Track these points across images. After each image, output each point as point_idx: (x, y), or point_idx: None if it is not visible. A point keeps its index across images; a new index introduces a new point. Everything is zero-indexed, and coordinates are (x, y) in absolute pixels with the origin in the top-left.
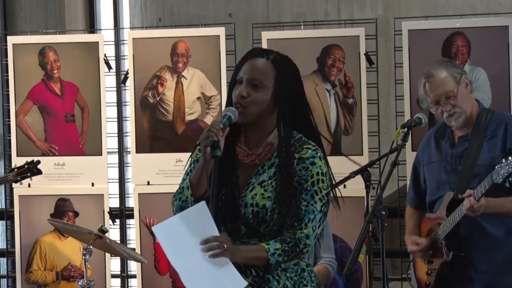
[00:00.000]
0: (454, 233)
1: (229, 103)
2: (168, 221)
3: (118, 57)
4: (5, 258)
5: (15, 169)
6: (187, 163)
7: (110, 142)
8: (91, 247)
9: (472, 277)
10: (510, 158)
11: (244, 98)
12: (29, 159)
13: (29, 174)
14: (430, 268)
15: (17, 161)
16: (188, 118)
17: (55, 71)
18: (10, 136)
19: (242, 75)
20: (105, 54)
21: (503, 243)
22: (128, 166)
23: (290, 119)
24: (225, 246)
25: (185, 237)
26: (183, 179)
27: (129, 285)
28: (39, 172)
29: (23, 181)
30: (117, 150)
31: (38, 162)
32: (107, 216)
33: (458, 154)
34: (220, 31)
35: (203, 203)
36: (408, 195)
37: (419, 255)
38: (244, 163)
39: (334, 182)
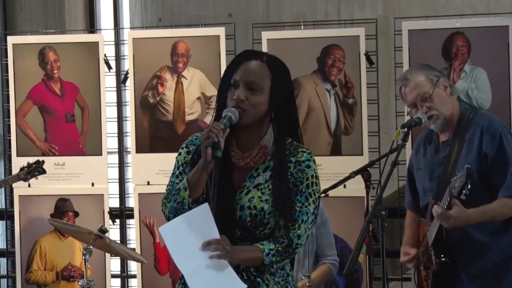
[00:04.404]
0: (440, 240)
1: (221, 106)
2: (173, 222)
3: (118, 57)
4: (5, 258)
5: (25, 168)
6: (175, 166)
7: (110, 142)
8: (91, 247)
9: (465, 283)
10: (462, 170)
11: (243, 102)
12: (29, 159)
13: (36, 173)
14: (427, 275)
15: (17, 161)
16: (188, 118)
17: (55, 71)
18: (10, 136)
19: (237, 79)
20: (105, 54)
21: (491, 246)
22: (128, 166)
23: (284, 121)
24: (228, 248)
25: (189, 239)
26: (172, 181)
27: (129, 285)
28: (44, 171)
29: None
30: (117, 150)
31: (43, 162)
32: (107, 216)
33: (440, 160)
34: (220, 31)
35: (206, 205)
36: (406, 199)
37: (410, 266)
38: (237, 166)
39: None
